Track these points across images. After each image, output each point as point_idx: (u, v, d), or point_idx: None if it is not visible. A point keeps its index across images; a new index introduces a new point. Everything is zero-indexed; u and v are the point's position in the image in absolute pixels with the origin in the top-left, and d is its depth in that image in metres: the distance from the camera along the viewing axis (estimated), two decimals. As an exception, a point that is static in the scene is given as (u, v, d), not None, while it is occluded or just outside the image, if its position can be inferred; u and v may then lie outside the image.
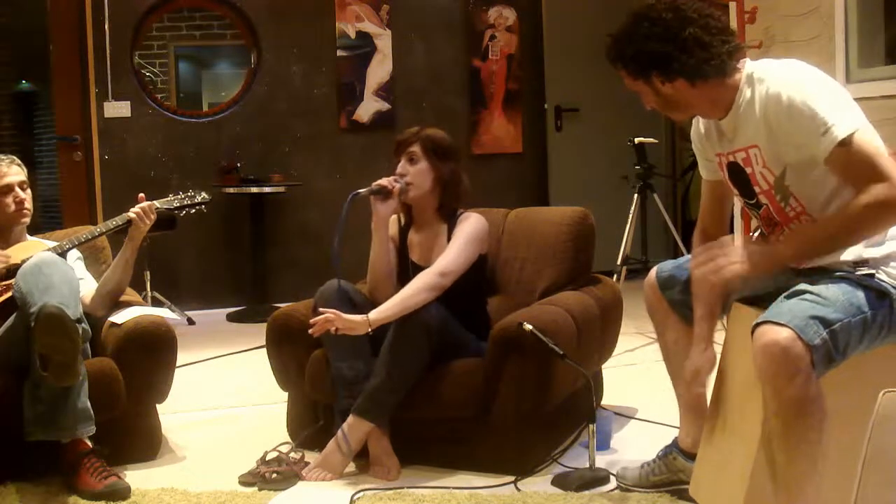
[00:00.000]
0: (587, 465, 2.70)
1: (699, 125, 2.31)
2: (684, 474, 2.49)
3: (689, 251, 2.47)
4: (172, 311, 5.17)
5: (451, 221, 2.98)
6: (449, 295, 2.81)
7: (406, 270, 2.98)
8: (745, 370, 2.07)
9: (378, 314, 2.72)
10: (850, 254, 2.02)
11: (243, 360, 4.52)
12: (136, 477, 2.80)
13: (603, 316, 3.10)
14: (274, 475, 2.73)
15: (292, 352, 3.03)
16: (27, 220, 3.12)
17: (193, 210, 3.18)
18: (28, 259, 2.80)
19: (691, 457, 2.45)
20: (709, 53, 2.03)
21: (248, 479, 2.75)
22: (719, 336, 2.33)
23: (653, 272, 2.50)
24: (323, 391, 2.90)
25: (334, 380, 2.81)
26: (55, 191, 6.19)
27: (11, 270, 2.90)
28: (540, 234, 3.26)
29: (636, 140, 5.00)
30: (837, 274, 2.00)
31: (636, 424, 3.25)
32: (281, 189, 5.81)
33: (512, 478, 2.71)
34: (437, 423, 2.83)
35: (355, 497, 2.61)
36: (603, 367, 3.39)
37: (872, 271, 2.00)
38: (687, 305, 2.38)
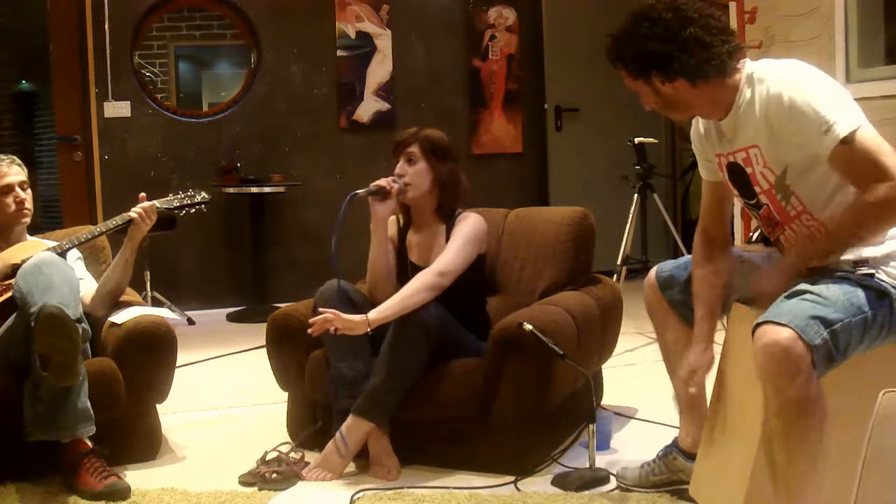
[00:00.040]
0: (587, 465, 2.70)
1: (699, 126, 2.31)
2: (684, 474, 2.49)
3: (689, 251, 2.47)
4: (172, 311, 5.17)
5: (449, 221, 2.98)
6: (448, 295, 2.81)
7: (405, 271, 2.98)
8: (746, 370, 2.07)
9: (377, 314, 2.72)
10: (850, 253, 2.03)
11: (243, 360, 4.52)
12: (136, 477, 2.80)
13: (603, 316, 3.10)
14: (274, 475, 2.73)
15: (292, 352, 3.03)
16: (27, 220, 3.12)
17: (193, 210, 3.18)
18: (28, 259, 2.80)
19: (691, 457, 2.45)
20: (709, 53, 2.03)
21: (248, 479, 2.75)
22: (719, 336, 2.33)
23: (652, 272, 2.50)
24: (323, 391, 2.90)
25: (334, 380, 2.81)
26: (55, 191, 6.19)
27: (11, 270, 2.90)
28: (540, 234, 3.26)
29: (636, 140, 4.99)
30: (838, 274, 2.00)
31: (636, 424, 3.25)
32: (281, 189, 5.81)
33: (512, 478, 2.71)
34: (436, 423, 2.83)
35: (355, 497, 2.61)
36: (603, 367, 3.39)
37: (872, 271, 2.00)
38: (687, 305, 2.38)
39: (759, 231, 4.15)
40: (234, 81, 6.65)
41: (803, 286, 1.97)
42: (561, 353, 2.63)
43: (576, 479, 2.66)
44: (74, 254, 3.16)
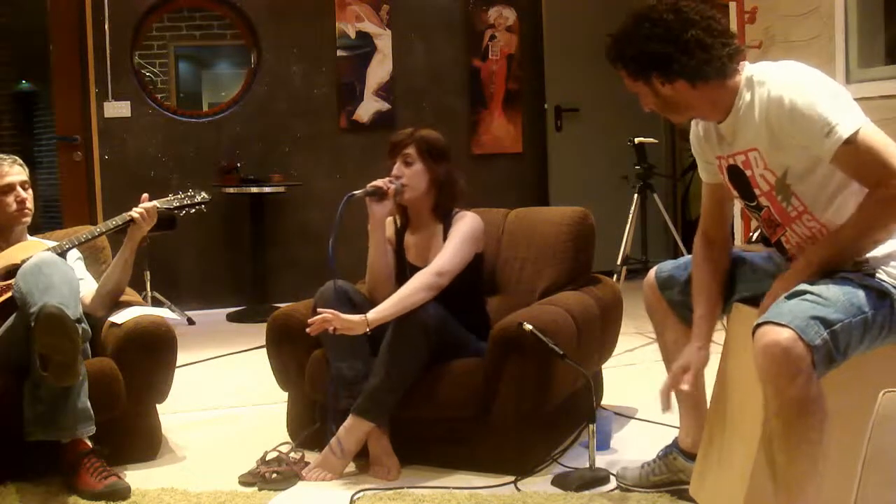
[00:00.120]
0: (587, 465, 2.70)
1: (698, 128, 2.30)
2: (684, 474, 2.49)
3: (689, 251, 2.47)
4: (172, 311, 5.17)
5: (446, 221, 2.98)
6: (446, 294, 2.81)
7: (403, 272, 2.98)
8: (746, 370, 2.07)
9: (376, 314, 2.73)
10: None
11: (243, 360, 4.52)
12: (136, 477, 2.80)
13: (603, 316, 3.10)
14: (274, 475, 2.73)
15: (292, 352, 3.03)
16: (28, 219, 3.12)
17: (193, 210, 3.18)
18: (28, 259, 2.80)
19: (691, 457, 2.45)
20: (709, 55, 2.03)
21: (248, 479, 2.75)
22: (719, 336, 2.33)
23: (652, 272, 2.50)
24: (323, 391, 2.90)
25: (333, 380, 2.81)
26: (55, 191, 6.19)
27: (11, 270, 2.90)
28: (540, 234, 3.26)
29: (636, 140, 4.99)
30: (838, 274, 2.00)
31: (636, 424, 3.25)
32: (281, 189, 5.81)
33: (512, 478, 2.71)
34: (436, 422, 2.83)
35: (355, 497, 2.61)
36: (603, 367, 3.39)
37: (873, 271, 2.00)
38: (686, 306, 2.38)
39: (758, 231, 4.16)
40: (234, 81, 6.65)
41: (803, 286, 1.96)
42: (561, 353, 2.63)
43: (576, 479, 2.66)
44: (74, 254, 3.16)
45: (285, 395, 3.17)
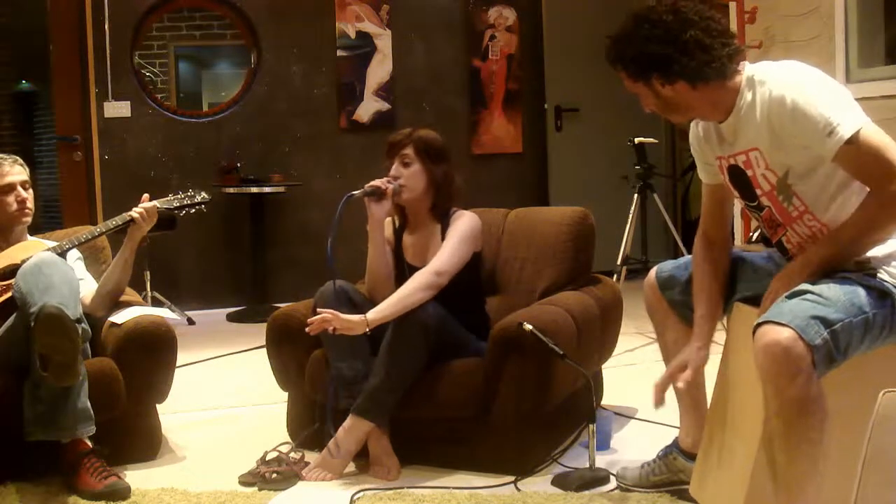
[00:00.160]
0: (587, 465, 2.70)
1: (698, 129, 2.30)
2: (684, 474, 2.49)
3: (689, 251, 2.47)
4: (172, 311, 5.17)
5: (444, 220, 2.98)
6: (445, 294, 2.81)
7: (402, 272, 2.98)
8: (746, 370, 2.07)
9: (376, 314, 2.73)
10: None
11: (243, 360, 4.52)
12: (136, 477, 2.80)
13: (603, 316, 3.10)
14: (274, 475, 2.73)
15: (292, 352, 3.03)
16: (28, 219, 3.12)
17: (193, 210, 3.18)
18: (28, 259, 2.80)
19: (691, 457, 2.45)
20: (710, 56, 2.03)
21: (248, 479, 2.75)
22: (719, 336, 2.33)
23: (653, 272, 2.50)
24: (323, 391, 2.90)
25: (333, 380, 2.81)
26: (55, 191, 6.19)
27: (11, 270, 2.90)
28: (540, 234, 3.26)
29: (636, 140, 4.99)
30: (839, 274, 2.00)
31: (636, 424, 3.25)
32: (281, 189, 5.81)
33: (512, 478, 2.71)
34: (437, 423, 2.83)
35: (355, 497, 2.61)
36: (603, 367, 3.39)
37: (874, 270, 2.00)
38: (687, 306, 2.38)
39: (759, 231, 4.16)
40: (234, 81, 6.65)
41: (804, 286, 1.96)
42: (561, 353, 2.63)
43: (576, 479, 2.66)
44: (74, 254, 3.16)
45: (285, 395, 3.17)
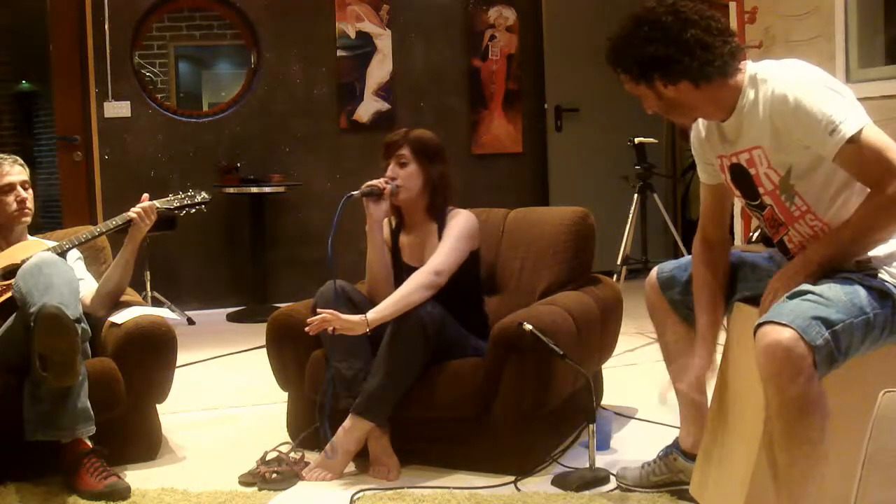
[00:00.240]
0: (587, 465, 2.70)
1: (699, 128, 2.30)
2: (685, 475, 2.49)
3: (689, 251, 2.47)
4: (172, 311, 5.17)
5: (440, 220, 2.98)
6: (444, 293, 2.81)
7: (399, 272, 2.98)
8: (747, 370, 2.07)
9: (375, 314, 2.73)
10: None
11: (243, 360, 4.52)
12: (136, 477, 2.80)
13: (603, 316, 3.10)
14: (274, 475, 2.73)
15: (292, 352, 3.03)
16: (28, 219, 3.12)
17: (193, 210, 3.18)
18: (28, 259, 2.80)
19: (692, 457, 2.45)
20: (711, 54, 2.03)
21: (248, 479, 2.75)
22: (719, 336, 2.33)
23: (653, 272, 2.50)
24: (323, 392, 2.90)
25: (330, 380, 2.81)
26: (55, 191, 6.19)
27: (11, 270, 2.90)
28: (540, 234, 3.26)
29: (636, 140, 5.00)
30: (840, 274, 2.00)
31: (636, 424, 3.25)
32: (281, 189, 5.81)
33: (512, 478, 2.71)
34: (437, 422, 2.83)
35: (355, 497, 2.61)
36: (603, 367, 3.39)
37: (875, 271, 2.00)
38: (687, 305, 2.38)
39: (759, 231, 4.15)
40: (234, 81, 6.64)
41: (805, 286, 1.96)
42: (561, 353, 2.63)
43: (576, 479, 2.66)
44: (74, 254, 3.16)
45: (285, 395, 3.17)
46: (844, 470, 1.75)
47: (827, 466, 1.88)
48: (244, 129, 5.98)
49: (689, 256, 2.44)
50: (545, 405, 2.79)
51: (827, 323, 1.87)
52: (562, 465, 2.82)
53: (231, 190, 5.73)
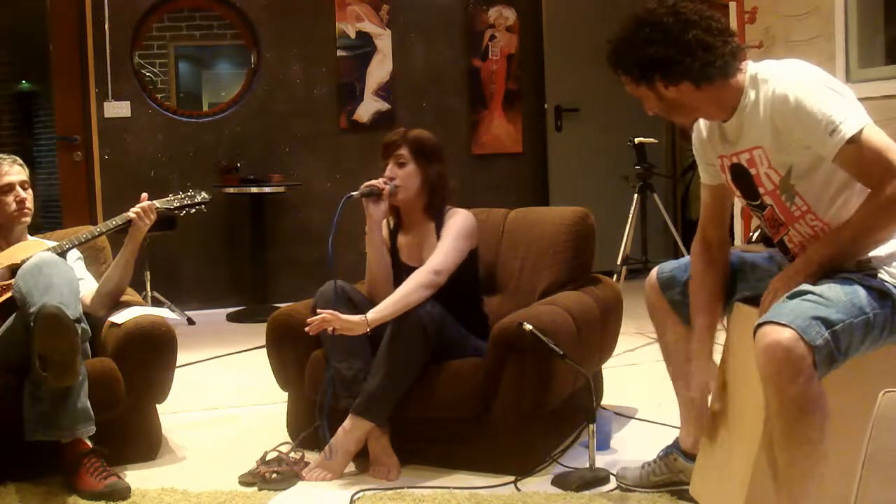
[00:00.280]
0: (587, 465, 2.70)
1: (700, 129, 2.30)
2: (685, 475, 2.49)
3: (689, 251, 2.47)
4: (172, 311, 5.17)
5: (438, 219, 2.98)
6: (443, 293, 2.81)
7: (398, 272, 2.98)
8: (746, 370, 2.07)
9: (375, 314, 2.73)
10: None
11: (243, 360, 4.52)
12: (136, 477, 2.80)
13: (603, 316, 3.10)
14: (274, 475, 2.73)
15: (292, 352, 3.03)
16: (28, 219, 3.12)
17: (193, 210, 3.18)
18: (28, 259, 2.80)
19: (692, 457, 2.45)
20: (712, 55, 2.03)
21: (248, 479, 2.75)
22: (719, 336, 2.33)
23: (654, 272, 2.50)
24: (323, 392, 2.90)
25: (330, 380, 2.81)
26: (55, 191, 6.18)
27: (11, 270, 2.90)
28: (540, 234, 3.26)
29: (636, 140, 5.00)
30: (840, 274, 2.00)
31: (636, 424, 3.25)
32: (281, 189, 5.81)
33: (512, 478, 2.71)
34: (437, 422, 2.83)
35: (355, 497, 2.61)
36: (603, 367, 3.39)
37: (875, 271, 2.00)
38: (687, 306, 2.38)
39: (759, 231, 4.15)
40: (234, 81, 6.64)
41: (805, 286, 1.97)
42: (561, 353, 2.63)
43: (576, 479, 2.66)
44: (74, 254, 3.16)
45: (285, 395, 3.17)
46: (844, 470, 1.75)
47: (827, 466, 1.88)
48: (244, 129, 5.98)
49: (689, 257, 2.43)
50: (545, 405, 2.79)
51: (827, 323, 1.87)
52: (562, 465, 2.82)
53: (231, 190, 5.73)
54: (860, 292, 1.95)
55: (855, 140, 1.91)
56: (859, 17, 4.42)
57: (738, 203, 2.29)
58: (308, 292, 3.08)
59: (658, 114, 2.18)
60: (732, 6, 4.93)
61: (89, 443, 2.71)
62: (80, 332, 2.63)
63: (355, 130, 6.14)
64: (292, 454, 2.84)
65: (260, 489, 2.70)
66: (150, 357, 2.91)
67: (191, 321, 5.55)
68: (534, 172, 6.60)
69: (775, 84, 2.02)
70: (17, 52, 7.15)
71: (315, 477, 2.75)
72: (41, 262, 2.74)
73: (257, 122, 6.00)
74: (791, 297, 1.95)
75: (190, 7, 6.41)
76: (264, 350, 3.14)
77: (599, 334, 3.10)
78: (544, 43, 6.49)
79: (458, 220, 2.94)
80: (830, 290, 1.94)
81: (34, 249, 3.00)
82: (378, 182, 2.93)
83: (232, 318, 5.72)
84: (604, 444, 2.96)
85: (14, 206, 3.06)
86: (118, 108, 5.72)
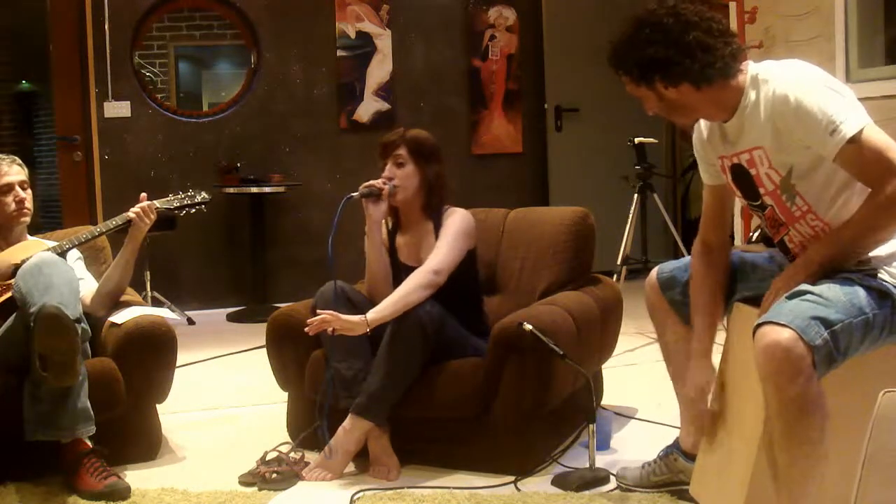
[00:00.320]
0: (587, 465, 2.70)
1: (701, 129, 2.30)
2: (685, 475, 2.49)
3: (689, 251, 2.47)
4: (172, 311, 5.17)
5: (436, 219, 2.98)
6: (443, 293, 2.81)
7: (397, 273, 2.98)
8: (746, 370, 2.07)
9: (375, 314, 2.73)
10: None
11: (243, 360, 4.52)
12: (136, 477, 2.80)
13: (603, 316, 3.10)
14: (274, 475, 2.73)
15: (292, 352, 3.03)
16: (27, 219, 3.12)
17: (193, 210, 3.18)
18: (28, 259, 2.80)
19: (692, 458, 2.45)
20: (713, 56, 2.03)
21: (248, 479, 2.75)
22: (719, 336, 2.33)
23: (654, 272, 2.50)
24: (323, 392, 2.90)
25: (330, 380, 2.81)
26: (55, 191, 6.19)
27: (11, 270, 2.90)
28: (540, 234, 3.26)
29: (636, 140, 5.00)
30: (840, 274, 2.00)
31: (636, 424, 3.25)
32: (281, 189, 5.81)
33: (512, 478, 2.71)
34: (437, 422, 2.83)
35: (355, 497, 2.61)
36: (603, 367, 3.39)
37: (875, 271, 2.00)
38: (687, 306, 2.38)
39: (759, 231, 4.15)
40: (234, 81, 6.64)
41: (804, 286, 1.97)
42: (561, 353, 2.63)
43: (576, 479, 2.66)
44: (74, 254, 3.16)
45: (285, 395, 3.17)
46: (844, 470, 1.75)
47: (827, 466, 1.88)
48: (244, 129, 5.98)
49: (689, 257, 2.43)
50: (545, 405, 2.79)
51: (826, 323, 1.87)
52: (562, 465, 2.82)
53: (231, 190, 5.73)
54: (860, 292, 1.95)
55: (855, 140, 1.91)
56: (859, 17, 4.42)
57: (739, 203, 2.29)
58: (308, 292, 3.08)
59: (658, 114, 2.18)
60: (732, 6, 4.93)
61: (89, 443, 2.71)
62: (80, 332, 2.63)
63: (355, 130, 6.14)
64: (292, 454, 2.84)
65: (260, 489, 2.70)
66: (150, 357, 2.91)
67: (191, 321, 5.55)
68: (534, 172, 6.60)
69: (775, 84, 2.02)
70: (17, 52, 7.15)
71: (315, 477, 2.75)
72: (41, 262, 2.74)
73: (257, 122, 6.00)
74: (790, 297, 1.95)
75: (190, 7, 6.41)
76: (264, 350, 3.14)
77: (599, 334, 3.10)
78: (544, 43, 6.49)
79: (457, 220, 2.94)
80: (830, 290, 1.94)
81: (34, 249, 3.00)
82: (377, 182, 2.93)
83: (232, 318, 5.72)
84: (604, 444, 2.96)
85: (13, 206, 3.06)
86: (118, 108, 5.72)
